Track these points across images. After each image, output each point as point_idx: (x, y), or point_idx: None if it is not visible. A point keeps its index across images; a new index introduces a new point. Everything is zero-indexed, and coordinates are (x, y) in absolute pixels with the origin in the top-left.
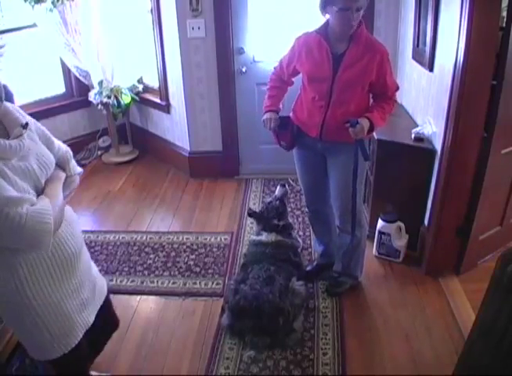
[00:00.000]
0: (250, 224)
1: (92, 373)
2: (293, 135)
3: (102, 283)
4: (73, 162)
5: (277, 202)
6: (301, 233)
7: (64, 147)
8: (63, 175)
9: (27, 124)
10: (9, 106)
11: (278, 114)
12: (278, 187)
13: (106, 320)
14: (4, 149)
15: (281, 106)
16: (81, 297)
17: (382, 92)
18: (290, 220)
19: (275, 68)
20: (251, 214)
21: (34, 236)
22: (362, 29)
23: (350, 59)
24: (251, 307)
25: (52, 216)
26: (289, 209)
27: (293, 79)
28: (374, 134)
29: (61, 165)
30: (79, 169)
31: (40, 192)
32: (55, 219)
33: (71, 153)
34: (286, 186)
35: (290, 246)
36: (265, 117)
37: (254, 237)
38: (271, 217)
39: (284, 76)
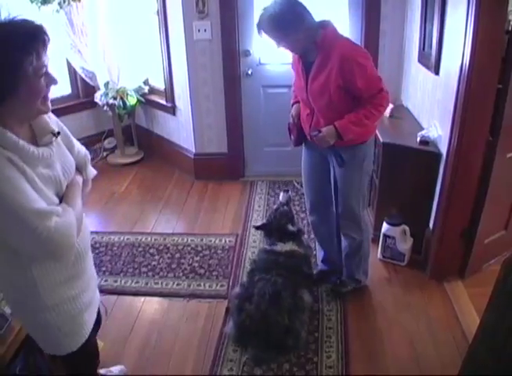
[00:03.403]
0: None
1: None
2: (299, 132)
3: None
4: (89, 166)
5: (285, 207)
6: (305, 235)
7: (83, 150)
8: (80, 180)
9: (58, 133)
10: None
11: None
12: (281, 193)
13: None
14: (32, 156)
15: None
16: (89, 295)
17: (357, 95)
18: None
19: None
20: (260, 227)
21: (58, 249)
22: (324, 35)
23: (316, 69)
24: (258, 328)
25: (76, 228)
26: (294, 212)
27: None
28: (380, 137)
29: (78, 168)
30: (94, 172)
31: (60, 198)
32: (77, 229)
33: (89, 156)
34: (290, 191)
35: (304, 256)
36: (292, 110)
37: (265, 246)
38: (283, 223)
39: None
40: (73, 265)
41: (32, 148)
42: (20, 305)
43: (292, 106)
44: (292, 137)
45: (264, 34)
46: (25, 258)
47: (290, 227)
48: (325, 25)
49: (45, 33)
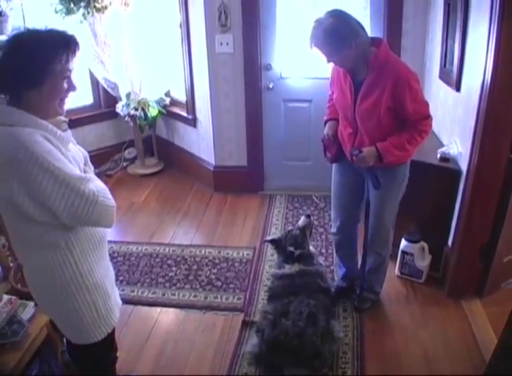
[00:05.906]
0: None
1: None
2: (338, 149)
3: None
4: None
5: (298, 231)
6: (323, 250)
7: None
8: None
9: (70, 120)
10: None
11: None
12: (302, 217)
13: None
14: (60, 137)
15: None
16: (111, 277)
17: (404, 118)
18: (312, 245)
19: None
20: (269, 241)
21: (104, 211)
22: (378, 54)
23: (367, 88)
24: (292, 344)
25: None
26: (308, 236)
27: None
28: None
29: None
30: (92, 168)
31: None
32: None
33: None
34: (311, 217)
35: (316, 273)
36: (327, 128)
37: (276, 271)
38: (288, 245)
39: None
40: (98, 248)
41: (59, 131)
42: (63, 292)
43: (325, 123)
44: (328, 154)
45: (314, 48)
46: (61, 237)
47: (295, 250)
48: (378, 43)
49: (76, 42)
